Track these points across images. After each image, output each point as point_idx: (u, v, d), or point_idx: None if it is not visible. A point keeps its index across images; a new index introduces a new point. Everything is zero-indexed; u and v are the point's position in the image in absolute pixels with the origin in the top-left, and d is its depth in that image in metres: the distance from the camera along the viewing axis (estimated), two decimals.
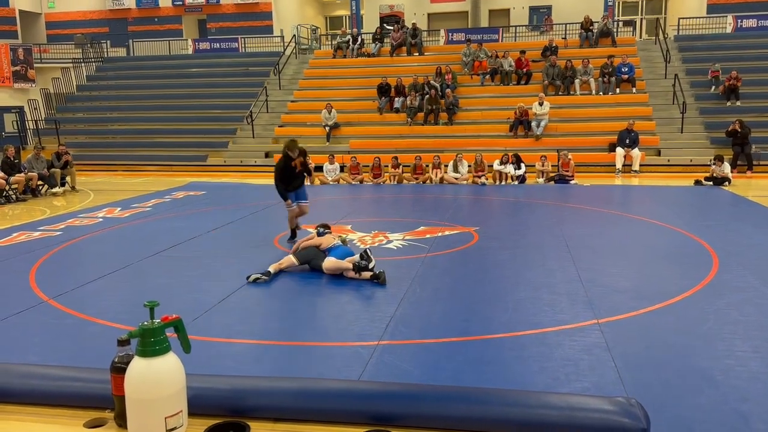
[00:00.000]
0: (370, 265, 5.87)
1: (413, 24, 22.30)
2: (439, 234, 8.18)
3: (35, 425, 2.42)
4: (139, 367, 2.23)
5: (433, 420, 2.33)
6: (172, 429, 2.25)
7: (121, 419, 2.35)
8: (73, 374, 2.71)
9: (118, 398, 2.35)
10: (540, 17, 27.00)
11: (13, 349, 4.29)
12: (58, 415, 2.49)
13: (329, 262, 6.04)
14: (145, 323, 2.29)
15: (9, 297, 5.55)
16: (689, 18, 21.94)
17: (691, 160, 15.44)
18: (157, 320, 2.32)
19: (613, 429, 2.21)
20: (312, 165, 6.18)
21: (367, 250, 5.99)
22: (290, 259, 6.26)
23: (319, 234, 6.62)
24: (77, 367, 2.98)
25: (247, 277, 5.90)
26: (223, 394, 2.49)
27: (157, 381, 2.21)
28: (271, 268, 6.07)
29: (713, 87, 17.66)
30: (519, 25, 24.62)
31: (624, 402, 2.31)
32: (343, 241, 6.53)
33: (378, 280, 5.78)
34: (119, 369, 2.33)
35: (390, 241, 7.78)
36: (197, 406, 2.41)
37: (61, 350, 4.32)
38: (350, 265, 5.94)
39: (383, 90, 18.77)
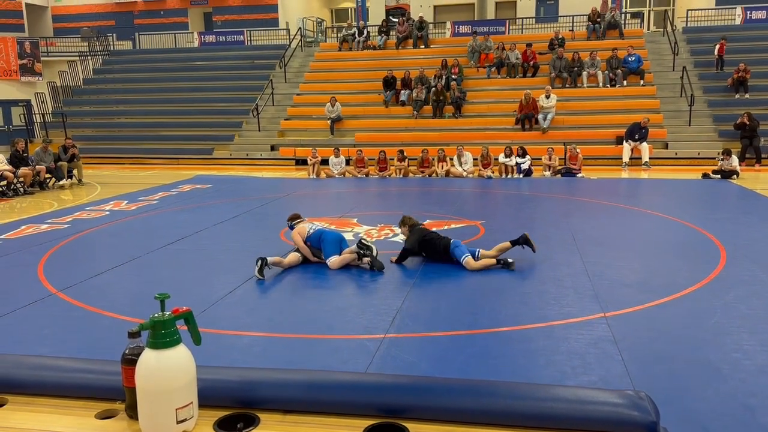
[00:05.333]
0: (373, 253, 5.94)
1: (419, 16, 22.20)
2: (446, 227, 8.17)
3: (48, 416, 2.44)
4: (149, 358, 2.24)
5: (443, 412, 2.34)
6: (183, 420, 2.27)
7: (132, 410, 2.37)
8: (84, 366, 2.73)
9: (129, 390, 2.36)
10: (547, 9, 26.83)
11: (23, 341, 4.33)
12: (69, 406, 2.51)
13: (333, 264, 6.09)
14: (156, 315, 2.30)
15: (18, 289, 5.59)
16: (698, 10, 21.76)
17: (698, 153, 15.35)
18: (168, 312, 2.34)
19: (623, 422, 2.20)
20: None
21: (363, 240, 6.03)
22: (295, 256, 6.31)
23: (292, 228, 6.49)
24: (88, 359, 3.00)
25: (256, 263, 5.90)
26: (233, 386, 2.50)
27: (167, 373, 2.23)
28: (273, 260, 6.12)
29: (718, 68, 17.52)
30: (526, 18, 24.48)
31: (633, 395, 2.31)
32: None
33: (374, 267, 5.96)
34: (130, 361, 2.34)
35: (396, 235, 7.77)
36: (207, 398, 2.43)
37: (71, 342, 4.35)
38: (355, 256, 6.05)
39: (389, 83, 18.72)
